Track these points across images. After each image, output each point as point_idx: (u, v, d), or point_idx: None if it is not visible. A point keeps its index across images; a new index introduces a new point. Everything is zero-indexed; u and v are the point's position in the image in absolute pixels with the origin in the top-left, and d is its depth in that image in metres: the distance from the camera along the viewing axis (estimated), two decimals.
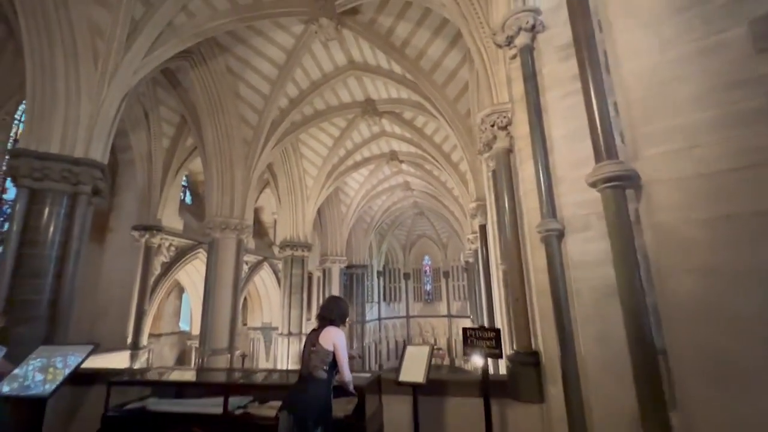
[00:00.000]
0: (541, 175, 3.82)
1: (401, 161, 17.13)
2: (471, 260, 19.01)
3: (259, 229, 21.10)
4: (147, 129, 11.49)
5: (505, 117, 4.62)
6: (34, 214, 5.76)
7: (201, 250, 13.68)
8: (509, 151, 4.69)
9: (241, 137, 10.74)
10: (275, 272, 18.29)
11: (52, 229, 5.83)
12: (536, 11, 4.13)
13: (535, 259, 3.86)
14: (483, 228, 9.62)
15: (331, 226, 19.93)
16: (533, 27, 4.13)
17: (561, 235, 3.66)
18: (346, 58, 10.58)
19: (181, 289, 16.89)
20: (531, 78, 4.11)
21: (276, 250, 16.41)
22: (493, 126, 4.71)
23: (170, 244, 13.10)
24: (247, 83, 10.39)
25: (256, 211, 20.32)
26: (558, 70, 3.94)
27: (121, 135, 12.04)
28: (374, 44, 9.41)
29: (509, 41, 4.35)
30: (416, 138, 14.04)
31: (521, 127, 4.22)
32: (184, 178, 15.73)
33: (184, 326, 17.49)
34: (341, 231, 20.04)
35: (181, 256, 13.58)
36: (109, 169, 12.56)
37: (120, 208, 12.43)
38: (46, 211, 5.84)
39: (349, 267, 22.63)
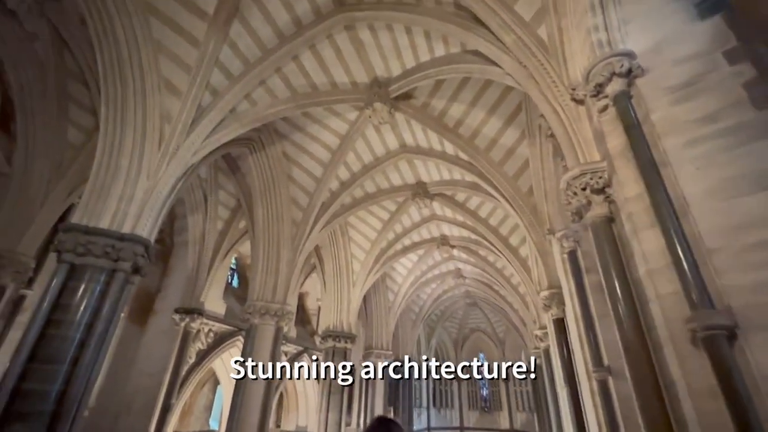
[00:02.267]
0: (677, 246, 2.71)
1: (452, 246, 16.15)
2: (538, 361, 16.29)
3: (303, 316, 20.20)
4: (204, 212, 11.86)
5: (600, 177, 3.71)
6: (68, 291, 5.42)
7: (240, 337, 12.88)
8: (610, 219, 3.66)
9: (290, 218, 10.62)
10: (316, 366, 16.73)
11: (82, 307, 5.40)
12: (630, 55, 3.48)
13: (690, 375, 2.53)
14: (560, 322, 7.99)
15: (376, 315, 18.52)
16: (629, 71, 3.44)
17: (731, 335, 2.39)
18: (398, 141, 10.60)
19: (216, 381, 15.77)
20: (635, 127, 3.29)
21: (318, 340, 15.18)
22: (584, 189, 3.79)
23: (209, 330, 12.49)
24: (300, 166, 10.59)
25: (301, 297, 19.69)
26: (676, 114, 3.09)
27: (180, 218, 12.57)
28: (427, 125, 9.34)
29: (597, 91, 3.66)
30: (470, 221, 13.24)
31: (629, 187, 3.27)
32: (233, 261, 15.81)
33: (213, 424, 15.91)
34: (387, 321, 18.49)
35: (219, 343, 12.83)
36: (163, 252, 12.96)
37: (167, 290, 12.36)
38: (81, 288, 5.49)
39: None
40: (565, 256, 6.95)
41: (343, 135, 10.02)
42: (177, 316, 11.59)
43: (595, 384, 5.82)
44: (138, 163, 6.43)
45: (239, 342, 12.83)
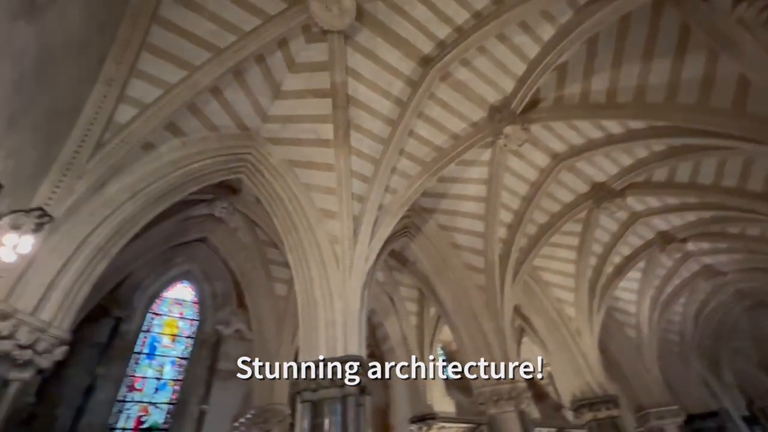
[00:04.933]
0: None
1: (683, 240, 12.26)
2: None
3: (535, 390, 17.39)
4: (395, 313, 12.11)
5: None
6: (316, 429, 5.58)
7: None
8: None
9: (474, 286, 9.83)
10: None
11: None
12: None
13: None
14: None
15: (626, 364, 14.47)
16: None
17: None
18: (548, 154, 9.23)
19: None
20: None
21: (569, 414, 12.43)
22: None
23: None
24: (460, 230, 10.09)
25: None
26: None
27: (379, 327, 13.12)
28: (572, 118, 7.91)
29: None
30: (692, 198, 9.95)
31: None
32: (440, 351, 15.26)
33: None
34: (645, 366, 14.18)
35: None
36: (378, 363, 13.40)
37: (395, 402, 12.37)
38: (326, 422, 5.61)
39: (688, 421, 14.88)
40: None
41: (487, 179, 9.30)
42: (414, 427, 11.22)
43: None
44: (328, 290, 6.93)
45: None
